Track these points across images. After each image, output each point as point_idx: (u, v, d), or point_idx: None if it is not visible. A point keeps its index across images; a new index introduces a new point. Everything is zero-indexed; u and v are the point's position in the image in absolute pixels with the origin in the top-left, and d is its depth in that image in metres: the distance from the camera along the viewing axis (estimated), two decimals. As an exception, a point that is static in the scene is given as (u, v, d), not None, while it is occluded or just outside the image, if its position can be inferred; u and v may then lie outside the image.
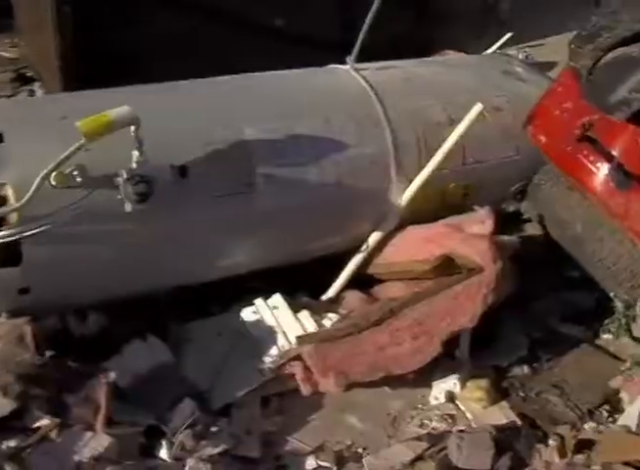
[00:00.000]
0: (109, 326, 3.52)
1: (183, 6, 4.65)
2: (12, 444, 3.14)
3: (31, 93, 5.15)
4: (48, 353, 3.26)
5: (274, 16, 4.99)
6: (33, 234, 3.13)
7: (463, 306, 3.52)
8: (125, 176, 3.19)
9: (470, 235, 3.71)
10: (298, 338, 3.49)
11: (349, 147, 3.71)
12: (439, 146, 3.86)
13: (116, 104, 3.27)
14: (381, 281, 3.89)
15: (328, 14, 5.17)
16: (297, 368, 3.47)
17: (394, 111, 3.86)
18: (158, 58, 4.53)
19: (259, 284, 3.78)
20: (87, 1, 4.53)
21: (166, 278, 3.56)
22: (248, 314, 3.68)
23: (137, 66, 4.49)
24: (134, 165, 3.21)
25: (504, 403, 3.58)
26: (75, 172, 3.17)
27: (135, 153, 3.21)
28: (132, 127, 3.21)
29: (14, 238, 3.13)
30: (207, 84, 3.83)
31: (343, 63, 4.11)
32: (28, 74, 5.30)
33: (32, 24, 4.97)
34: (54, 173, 3.13)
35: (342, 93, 3.90)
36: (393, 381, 3.57)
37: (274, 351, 3.53)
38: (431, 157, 3.84)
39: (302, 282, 3.83)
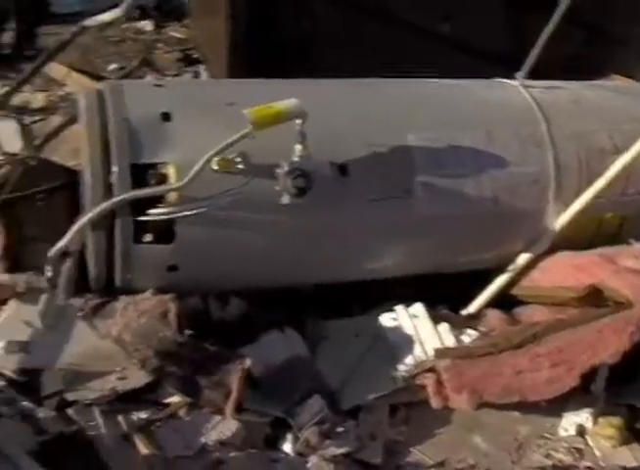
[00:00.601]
0: (249, 313, 3.54)
1: (355, 3, 4.63)
2: (143, 415, 3.21)
3: (196, 75, 5.22)
4: (187, 333, 3.32)
5: (441, 20, 4.94)
6: (190, 215, 3.17)
7: (607, 341, 3.41)
8: (286, 169, 3.20)
9: (623, 268, 3.60)
10: (437, 351, 3.45)
11: (510, 164, 3.64)
12: (601, 173, 3.76)
13: (283, 95, 3.29)
14: (523, 303, 3.81)
15: (496, 23, 5.09)
16: (429, 380, 3.42)
17: (559, 132, 3.78)
18: (325, 52, 4.54)
19: (402, 290, 3.76)
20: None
21: (313, 274, 3.57)
22: (387, 320, 3.65)
23: (304, 58, 4.51)
24: (296, 159, 3.22)
25: (635, 445, 3.46)
26: (238, 159, 3.20)
27: (298, 146, 3.22)
28: (298, 121, 3.21)
29: (171, 216, 3.17)
30: (373, 85, 3.82)
31: (509, 76, 4.04)
32: (194, 56, 5.36)
33: (205, 7, 5.04)
34: (217, 158, 3.16)
35: (508, 108, 3.83)
36: (524, 406, 3.49)
37: (409, 360, 3.50)
38: (591, 183, 3.75)
39: (445, 294, 3.79)
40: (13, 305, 3.51)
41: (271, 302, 3.61)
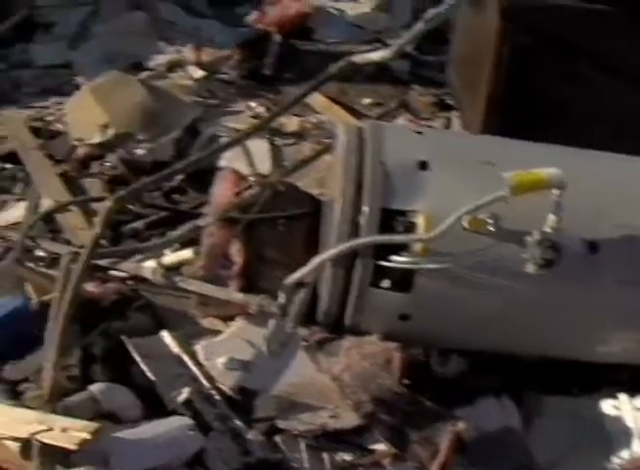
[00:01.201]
0: (467, 374, 3.49)
1: (627, 73, 4.48)
2: (347, 457, 3.21)
3: (447, 122, 5.20)
4: (405, 383, 3.29)
5: None
6: (433, 268, 3.15)
7: None
8: (537, 238, 3.12)
9: None
10: (656, 451, 3.30)
11: None
12: None
13: (541, 161, 3.23)
14: None
15: None
16: (642, 479, 3.27)
17: None
18: (585, 120, 4.42)
19: (628, 379, 3.61)
20: (528, 46, 4.47)
21: (542, 346, 3.48)
22: (608, 406, 3.50)
23: (561, 123, 4.41)
24: (548, 230, 3.14)
25: None
26: (490, 220, 3.15)
27: (552, 217, 3.14)
28: (556, 191, 3.14)
29: (414, 267, 3.16)
30: (635, 162, 3.69)
31: None
32: (448, 102, 5.34)
33: (468, 54, 5.01)
34: (468, 216, 3.13)
35: None
36: None
37: (625, 453, 3.35)
38: None
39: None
40: (240, 323, 3.60)
41: (490, 365, 3.55)
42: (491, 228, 3.15)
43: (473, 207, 3.12)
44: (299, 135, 4.92)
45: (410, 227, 3.19)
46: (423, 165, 3.30)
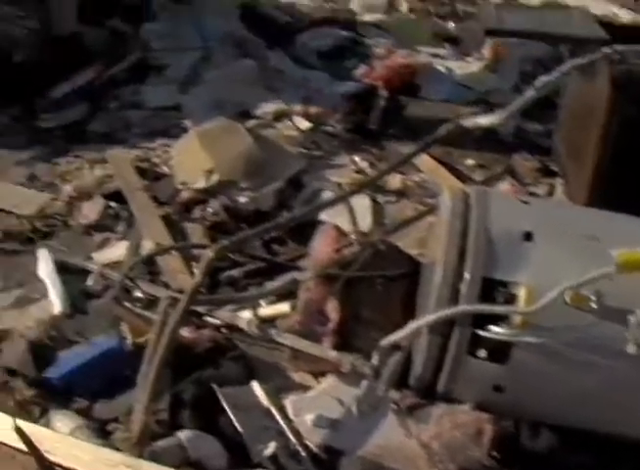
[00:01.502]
0: (558, 449, 3.41)
1: None
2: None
3: (551, 189, 5.15)
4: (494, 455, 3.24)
5: None
6: (532, 342, 3.10)
7: None
8: (640, 318, 3.07)
9: None
10: None
11: None
12: None
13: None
14: None
15: None
16: None
17: None
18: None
19: None
20: (637, 118, 4.42)
21: (636, 428, 3.35)
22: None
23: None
24: (658, 309, 3.08)
25: None
26: (592, 297, 3.10)
27: (656, 297, 3.09)
28: (662, 271, 3.09)
29: (512, 339, 3.12)
30: None
31: None
32: (552, 168, 5.29)
33: (575, 123, 4.96)
34: (572, 291, 3.08)
35: None
36: None
37: None
38: None
39: None
40: (331, 380, 3.59)
41: (582, 442, 3.46)
42: (594, 305, 3.10)
43: (576, 282, 3.07)
44: (401, 193, 4.92)
45: (511, 299, 3.15)
46: (527, 236, 3.26)
